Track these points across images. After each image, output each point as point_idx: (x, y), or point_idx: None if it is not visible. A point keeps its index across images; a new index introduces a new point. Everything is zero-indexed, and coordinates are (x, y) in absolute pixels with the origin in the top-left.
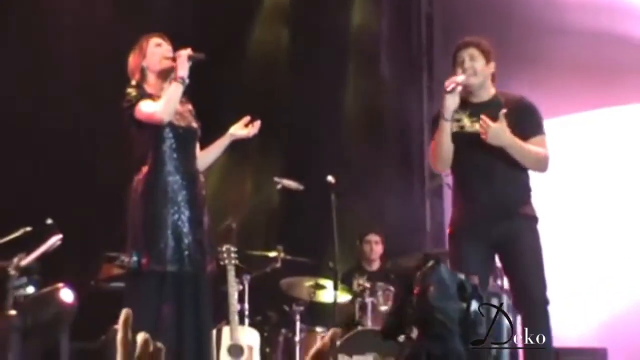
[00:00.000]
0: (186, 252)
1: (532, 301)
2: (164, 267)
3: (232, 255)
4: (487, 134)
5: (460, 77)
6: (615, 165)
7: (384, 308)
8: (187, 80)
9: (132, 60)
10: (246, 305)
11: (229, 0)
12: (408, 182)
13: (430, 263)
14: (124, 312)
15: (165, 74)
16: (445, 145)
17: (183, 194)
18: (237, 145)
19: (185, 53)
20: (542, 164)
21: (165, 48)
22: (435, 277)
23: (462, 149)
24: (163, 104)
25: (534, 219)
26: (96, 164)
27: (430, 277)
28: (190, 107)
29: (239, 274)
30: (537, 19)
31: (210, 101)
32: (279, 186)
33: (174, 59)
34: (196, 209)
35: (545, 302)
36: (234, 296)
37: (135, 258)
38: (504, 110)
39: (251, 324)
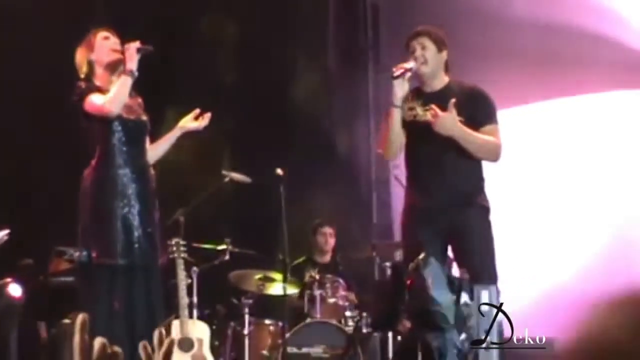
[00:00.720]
0: (136, 245)
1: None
2: (115, 261)
3: (181, 248)
4: (435, 123)
5: (409, 64)
6: (556, 156)
7: (332, 300)
8: (136, 73)
9: (79, 54)
10: (195, 299)
11: None
12: (354, 174)
13: (423, 255)
14: (81, 316)
15: (114, 67)
16: (394, 132)
17: (133, 187)
18: (185, 137)
19: (134, 46)
20: (493, 154)
21: (113, 41)
22: (430, 270)
23: (414, 139)
24: (112, 97)
25: (486, 209)
26: (47, 157)
27: (425, 269)
28: (139, 100)
29: (187, 267)
30: (484, 9)
31: (159, 94)
32: (226, 179)
33: (122, 52)
34: (146, 202)
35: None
36: (183, 289)
37: (85, 252)
38: (453, 100)
39: (200, 317)
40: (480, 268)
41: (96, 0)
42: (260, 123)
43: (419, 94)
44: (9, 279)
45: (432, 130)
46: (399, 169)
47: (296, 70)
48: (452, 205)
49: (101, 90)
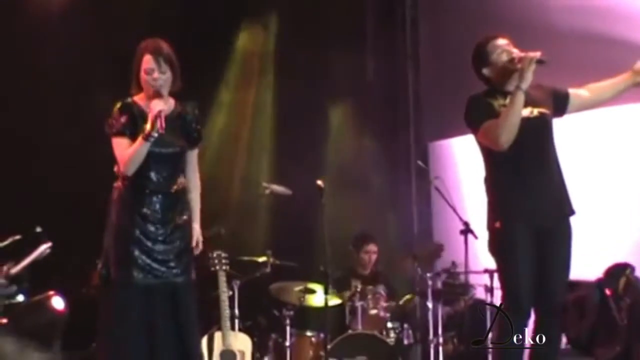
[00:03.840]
0: (152, 264)
1: (553, 304)
2: (130, 278)
3: (223, 261)
4: None
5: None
6: (603, 165)
7: (373, 312)
8: (155, 135)
9: (134, 66)
10: (236, 311)
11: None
12: (395, 187)
13: (629, 270)
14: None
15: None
16: (518, 116)
17: (152, 209)
18: (225, 151)
19: (156, 109)
20: None
21: (154, 77)
22: None
23: (518, 136)
24: (127, 161)
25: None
26: (88, 171)
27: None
28: (177, 107)
29: (228, 279)
30: (524, 20)
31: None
32: (267, 191)
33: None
34: (168, 222)
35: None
36: (225, 301)
37: (105, 267)
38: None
39: (242, 329)
40: (560, 281)
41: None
42: (300, 135)
43: (502, 93)
44: (52, 292)
45: (536, 127)
46: (439, 180)
47: (335, 79)
48: (554, 207)
49: (130, 131)
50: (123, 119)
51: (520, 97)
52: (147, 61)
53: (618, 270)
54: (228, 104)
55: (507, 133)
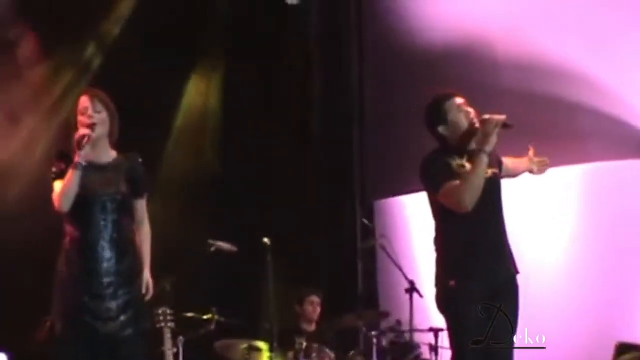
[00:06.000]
0: (84, 317)
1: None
2: (62, 331)
3: (169, 317)
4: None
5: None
6: (541, 228)
7: None
8: (84, 164)
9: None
10: None
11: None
12: (339, 243)
13: None
14: None
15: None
16: (483, 179)
17: (98, 259)
18: (171, 207)
19: (81, 133)
20: None
21: (88, 115)
22: None
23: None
24: (60, 197)
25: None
26: (36, 224)
27: None
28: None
29: (173, 336)
30: (471, 78)
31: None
32: (213, 248)
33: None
34: (114, 272)
35: None
36: (170, 358)
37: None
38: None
39: None
40: (511, 344)
41: None
42: (245, 193)
43: (460, 151)
44: None
45: (490, 189)
46: (385, 238)
47: (280, 135)
48: (504, 264)
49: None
50: (62, 165)
51: (485, 161)
52: (83, 101)
53: None
54: (175, 154)
55: (471, 196)
